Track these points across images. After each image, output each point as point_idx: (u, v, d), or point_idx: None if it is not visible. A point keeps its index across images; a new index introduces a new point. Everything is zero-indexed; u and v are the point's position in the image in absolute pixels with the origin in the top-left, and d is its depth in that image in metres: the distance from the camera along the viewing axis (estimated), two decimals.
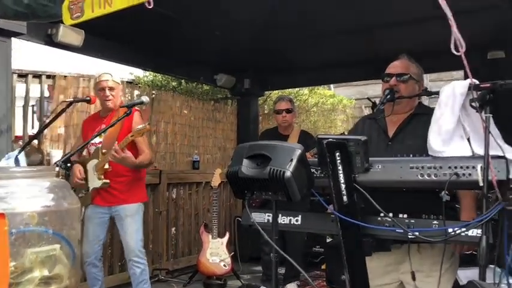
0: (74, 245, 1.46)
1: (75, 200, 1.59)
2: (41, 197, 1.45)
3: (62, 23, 2.96)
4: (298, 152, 1.62)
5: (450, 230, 1.60)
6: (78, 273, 1.62)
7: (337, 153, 1.66)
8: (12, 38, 3.38)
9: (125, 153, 3.13)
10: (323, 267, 4.88)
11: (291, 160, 1.60)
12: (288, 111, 4.32)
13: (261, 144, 1.71)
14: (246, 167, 1.66)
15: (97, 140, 3.32)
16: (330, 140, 1.67)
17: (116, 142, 3.17)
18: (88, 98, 3.32)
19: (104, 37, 4.22)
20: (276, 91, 7.54)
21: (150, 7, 2.13)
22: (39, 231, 1.37)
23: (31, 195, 1.45)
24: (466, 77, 1.65)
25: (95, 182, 3.31)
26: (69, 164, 2.23)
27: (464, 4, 2.72)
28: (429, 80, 8.27)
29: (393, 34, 4.30)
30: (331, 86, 10.10)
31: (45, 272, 1.35)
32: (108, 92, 3.37)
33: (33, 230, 1.36)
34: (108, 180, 3.29)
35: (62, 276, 1.38)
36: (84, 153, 3.54)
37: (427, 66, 2.44)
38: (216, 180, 4.67)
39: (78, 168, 3.33)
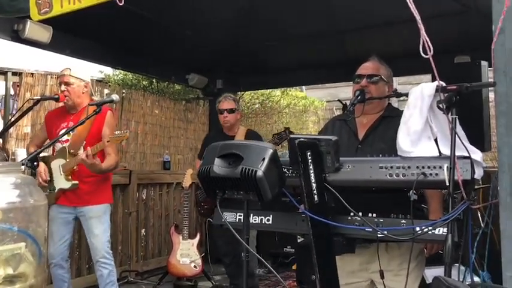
0: (41, 243, 1.42)
1: (42, 196, 1.54)
2: (6, 193, 1.40)
3: (30, 18, 2.88)
4: (270, 151, 1.63)
5: (418, 228, 1.63)
6: (44, 271, 1.58)
7: (309, 153, 1.68)
8: None
9: (95, 159, 3.07)
10: (294, 267, 4.91)
11: (263, 159, 1.60)
12: (231, 111, 4.00)
13: (233, 144, 1.72)
14: (218, 166, 1.66)
15: (64, 137, 3.23)
16: (301, 139, 1.69)
17: (84, 142, 3.10)
18: (56, 96, 3.24)
19: (72, 34, 4.12)
20: (249, 92, 7.56)
21: (120, 4, 2.11)
22: (4, 229, 1.32)
23: None
24: (434, 80, 1.70)
25: (62, 183, 3.21)
26: (35, 163, 2.18)
27: (432, 9, 2.80)
28: (398, 83, 8.44)
29: (364, 37, 4.38)
30: (303, 87, 10.21)
31: (10, 271, 1.31)
32: (63, 87, 3.26)
33: None
34: (77, 182, 3.20)
35: (27, 275, 1.34)
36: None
37: (396, 70, 2.49)
38: (187, 181, 4.63)
39: (42, 168, 3.23)
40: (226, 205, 1.93)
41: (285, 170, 1.79)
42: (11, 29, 3.62)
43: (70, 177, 3.20)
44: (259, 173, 1.57)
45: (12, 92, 4.64)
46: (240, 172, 1.60)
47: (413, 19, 1.56)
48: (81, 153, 3.05)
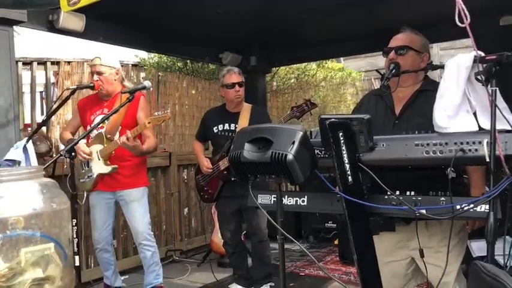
0: (65, 246, 1.46)
1: (64, 199, 1.57)
2: (29, 200, 1.43)
3: None
4: (300, 134, 1.60)
5: (458, 206, 1.57)
6: (72, 273, 1.62)
7: (340, 133, 1.63)
8: (14, 26, 3.36)
9: (136, 141, 3.11)
10: (336, 242, 4.90)
11: (293, 143, 1.58)
12: (241, 84, 3.69)
13: (262, 128, 1.69)
14: (248, 151, 1.65)
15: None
16: (332, 120, 1.64)
17: (120, 127, 3.15)
18: (92, 84, 3.29)
19: (105, 20, 4.16)
20: (284, 67, 7.45)
21: None
22: (26, 235, 1.36)
23: (18, 198, 1.43)
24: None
25: (101, 168, 3.28)
26: (73, 153, 2.23)
27: None
28: (440, 49, 8.09)
29: (401, 4, 4.18)
30: (341, 58, 9.96)
31: (39, 273, 1.35)
32: (96, 77, 3.30)
33: (20, 234, 1.36)
34: (117, 166, 3.27)
35: (54, 278, 1.38)
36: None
37: (439, 35, 2.36)
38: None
39: (81, 145, 3.24)
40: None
41: (318, 151, 1.75)
42: (46, 20, 3.69)
43: (108, 161, 3.27)
44: (289, 156, 1.55)
45: (53, 80, 4.76)
46: (270, 157, 1.58)
47: None
48: (122, 137, 3.08)
